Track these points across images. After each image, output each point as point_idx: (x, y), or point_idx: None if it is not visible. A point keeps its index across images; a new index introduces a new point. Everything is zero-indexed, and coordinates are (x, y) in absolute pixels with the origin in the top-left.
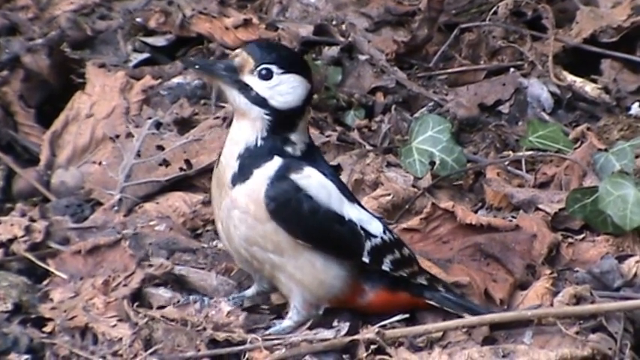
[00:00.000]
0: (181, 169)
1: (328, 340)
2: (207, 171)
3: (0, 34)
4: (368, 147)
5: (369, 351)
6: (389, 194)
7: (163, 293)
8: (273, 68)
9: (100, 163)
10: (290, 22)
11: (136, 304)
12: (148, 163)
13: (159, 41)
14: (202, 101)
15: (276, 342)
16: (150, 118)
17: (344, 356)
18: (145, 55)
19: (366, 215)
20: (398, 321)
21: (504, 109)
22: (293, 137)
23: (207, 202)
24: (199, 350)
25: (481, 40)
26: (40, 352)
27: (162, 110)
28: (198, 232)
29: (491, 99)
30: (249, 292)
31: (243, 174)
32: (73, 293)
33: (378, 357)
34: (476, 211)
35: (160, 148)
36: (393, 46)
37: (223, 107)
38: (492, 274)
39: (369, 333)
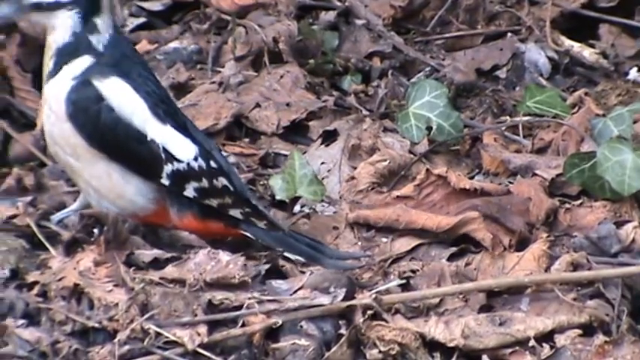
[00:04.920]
0: None
1: (324, 306)
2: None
3: None
4: (365, 112)
5: (366, 316)
6: (385, 160)
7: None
8: None
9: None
10: None
11: (132, 268)
12: None
13: (155, 6)
14: (198, 66)
15: (272, 307)
16: None
17: (340, 322)
18: (142, 20)
19: (177, 138)
20: (394, 287)
21: (502, 74)
22: (99, 22)
23: None
24: (196, 315)
25: (478, 4)
26: (36, 317)
27: (158, 75)
28: None
29: (488, 64)
30: (75, 205)
31: (55, 70)
32: (69, 259)
33: (375, 323)
34: (472, 177)
35: None
36: (390, 11)
37: (219, 72)
38: (493, 233)
39: (365, 298)
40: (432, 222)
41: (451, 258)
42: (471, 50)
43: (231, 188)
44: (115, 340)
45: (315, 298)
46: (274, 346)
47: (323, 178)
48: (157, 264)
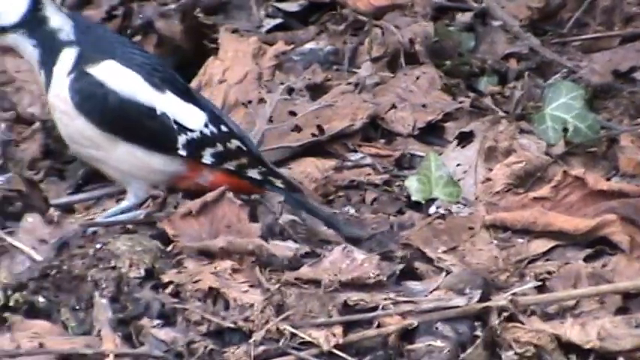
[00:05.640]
0: (313, 134)
1: (460, 307)
2: (340, 136)
3: (133, 0)
4: (501, 113)
5: (501, 318)
6: (522, 161)
7: (291, 244)
8: None
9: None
10: None
11: (267, 268)
12: (280, 129)
13: (292, 6)
14: (335, 67)
15: (407, 308)
16: (282, 83)
17: (475, 323)
18: (278, 21)
19: (184, 107)
20: (530, 288)
21: (639, 75)
22: (53, 25)
23: (339, 168)
24: (331, 316)
25: (615, 6)
26: (171, 317)
27: (294, 76)
28: (330, 197)
29: (625, 65)
30: (130, 200)
31: (48, 78)
32: (203, 258)
33: (510, 324)
34: (609, 179)
35: (292, 113)
36: (527, 12)
37: (355, 73)
38: (630, 235)
39: (501, 300)
40: (569, 224)
41: (587, 259)
42: (607, 52)
43: (245, 149)
44: (251, 341)
45: (451, 299)
46: (409, 347)
47: (459, 180)
48: (292, 264)
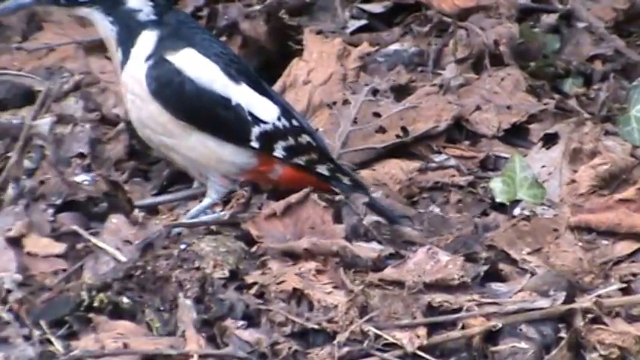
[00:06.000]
0: (397, 136)
1: (544, 309)
2: (424, 138)
3: (219, 1)
4: (586, 115)
5: (586, 320)
6: (607, 163)
7: (375, 246)
8: None
9: (316, 130)
10: None
11: (352, 270)
12: (364, 130)
13: (376, 8)
14: (419, 68)
15: (491, 310)
16: (367, 84)
17: (560, 325)
18: (363, 22)
19: (258, 100)
20: (614, 290)
21: None
22: (132, 4)
23: (423, 170)
24: (415, 318)
25: None
26: (255, 318)
27: (378, 77)
28: (415, 199)
29: None
30: (212, 197)
31: (125, 57)
32: (287, 259)
33: (595, 326)
34: None
35: (377, 115)
36: (612, 14)
37: (440, 74)
38: None
39: (585, 302)
40: None
41: None
42: None
43: (314, 144)
44: (335, 342)
45: (535, 301)
46: (493, 349)
47: (543, 181)
48: (376, 265)
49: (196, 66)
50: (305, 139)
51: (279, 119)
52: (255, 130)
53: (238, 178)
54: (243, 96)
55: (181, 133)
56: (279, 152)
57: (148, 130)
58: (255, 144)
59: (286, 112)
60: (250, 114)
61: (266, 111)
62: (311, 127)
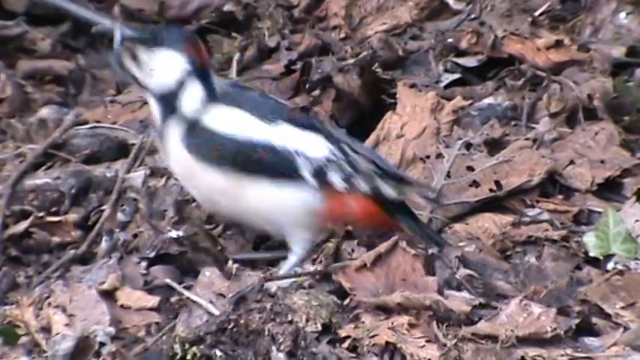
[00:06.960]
0: (491, 190)
1: None
2: (518, 192)
3: (312, 54)
4: None
5: None
6: None
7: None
8: (137, 46)
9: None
10: (602, 44)
11: (444, 324)
12: (457, 184)
13: (470, 62)
14: (513, 122)
15: None
16: (460, 138)
17: None
18: (456, 76)
19: (302, 136)
20: None
21: None
22: (184, 107)
23: (517, 224)
24: None
25: None
26: None
27: (472, 131)
28: (508, 253)
29: None
30: (297, 254)
31: (164, 143)
32: (380, 312)
33: None
34: None
35: (470, 169)
36: None
37: (534, 128)
38: None
39: None
40: None
41: None
42: None
43: (373, 167)
44: None
45: (629, 355)
46: None
47: (637, 236)
48: (469, 318)
49: (227, 121)
50: (363, 165)
51: (329, 151)
52: (308, 167)
53: (317, 225)
54: (285, 138)
55: (237, 191)
56: (340, 185)
57: (210, 204)
58: (310, 179)
59: (336, 141)
60: (297, 152)
61: (315, 147)
62: (371, 150)
